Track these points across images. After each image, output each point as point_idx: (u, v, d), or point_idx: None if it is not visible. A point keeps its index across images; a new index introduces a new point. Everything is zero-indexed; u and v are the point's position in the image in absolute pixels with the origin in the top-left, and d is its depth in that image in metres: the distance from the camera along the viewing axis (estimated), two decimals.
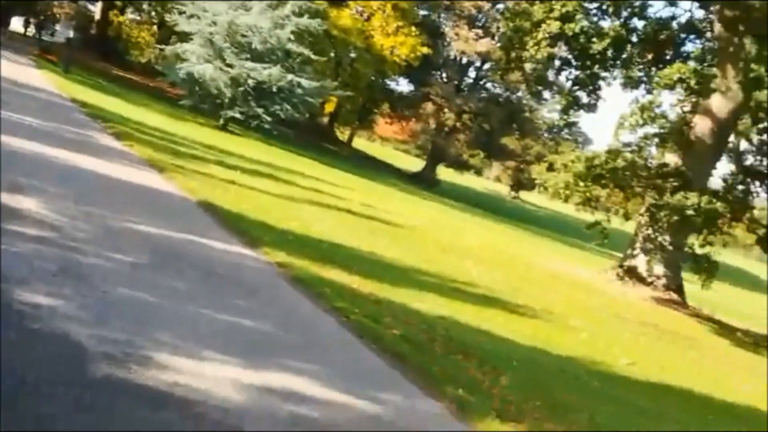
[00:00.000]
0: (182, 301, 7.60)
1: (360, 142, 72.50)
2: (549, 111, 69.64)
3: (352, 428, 5.85)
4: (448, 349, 9.29)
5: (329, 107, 60.72)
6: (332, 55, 50.49)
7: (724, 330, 24.87)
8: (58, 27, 65.72)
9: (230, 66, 34.95)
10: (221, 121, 35.58)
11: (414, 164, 71.56)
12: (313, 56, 37.20)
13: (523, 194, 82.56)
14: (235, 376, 6.00)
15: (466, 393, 7.62)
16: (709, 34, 29.87)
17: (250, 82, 34.83)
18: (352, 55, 53.49)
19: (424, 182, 59.07)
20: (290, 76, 35.46)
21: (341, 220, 18.49)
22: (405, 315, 10.29)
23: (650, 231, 26.31)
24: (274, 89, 35.37)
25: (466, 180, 77.80)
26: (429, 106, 66.81)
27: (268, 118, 35.69)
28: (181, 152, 20.11)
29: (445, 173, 68.84)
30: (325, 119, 65.60)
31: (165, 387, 5.38)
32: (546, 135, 78.94)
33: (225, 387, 5.72)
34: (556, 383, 9.97)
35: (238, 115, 35.54)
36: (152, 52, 57.51)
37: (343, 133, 69.45)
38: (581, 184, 26.19)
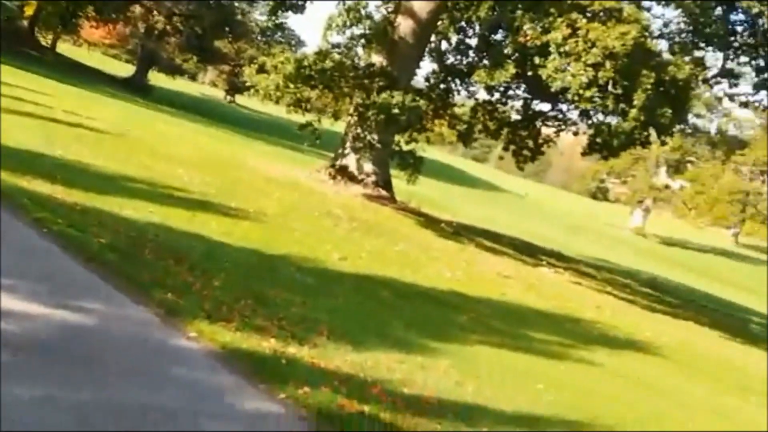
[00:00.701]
0: None
1: (65, 47, 68.56)
2: (261, 13, 69.05)
3: (54, 339, 5.76)
4: (158, 255, 9.27)
5: (29, 10, 56.88)
6: None
7: (429, 222, 26.35)
8: None
9: None
10: None
11: (125, 70, 68.79)
12: None
13: (239, 98, 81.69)
14: None
15: (175, 297, 7.68)
16: None
17: None
18: None
19: (135, 88, 56.81)
20: None
21: (44, 128, 17.63)
22: (113, 223, 10.13)
23: (359, 130, 26.95)
24: None
25: (180, 85, 75.85)
26: (137, 9, 64.08)
27: None
28: None
29: (158, 78, 66.69)
30: (25, 23, 61.36)
31: None
32: (260, 38, 78.34)
33: None
34: (268, 282, 10.24)
35: None
36: None
37: (45, 38, 65.26)
38: (291, 85, 26.31)
